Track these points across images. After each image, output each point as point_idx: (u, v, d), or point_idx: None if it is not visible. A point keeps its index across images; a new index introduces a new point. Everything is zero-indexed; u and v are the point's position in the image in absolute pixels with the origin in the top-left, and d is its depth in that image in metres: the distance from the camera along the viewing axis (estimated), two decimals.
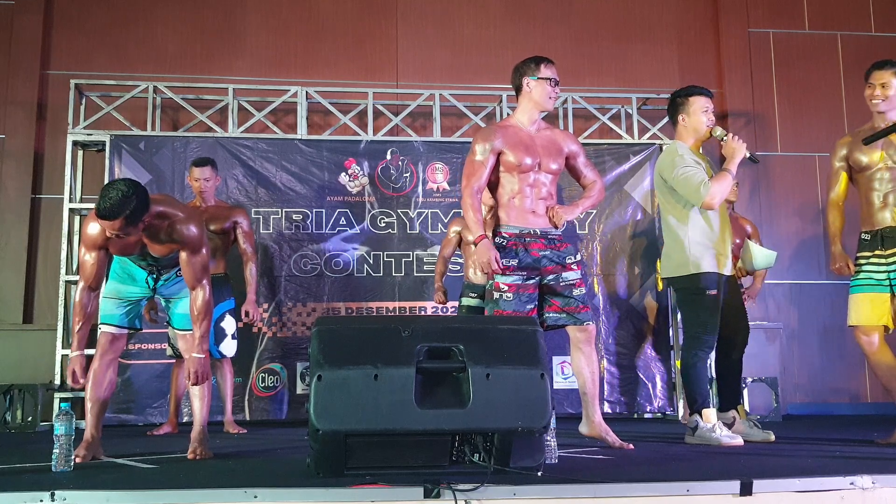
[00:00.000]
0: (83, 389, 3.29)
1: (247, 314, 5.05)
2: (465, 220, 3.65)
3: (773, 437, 3.95)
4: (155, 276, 3.40)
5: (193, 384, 3.27)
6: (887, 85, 3.87)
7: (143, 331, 4.88)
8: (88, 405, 3.29)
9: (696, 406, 3.83)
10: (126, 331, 3.40)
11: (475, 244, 3.53)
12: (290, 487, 2.23)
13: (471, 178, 3.59)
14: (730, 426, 3.99)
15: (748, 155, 3.88)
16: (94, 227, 3.10)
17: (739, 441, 3.72)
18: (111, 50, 6.57)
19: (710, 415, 3.81)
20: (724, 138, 3.90)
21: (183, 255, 3.20)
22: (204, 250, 3.24)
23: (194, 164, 5.10)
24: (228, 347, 4.96)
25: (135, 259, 3.35)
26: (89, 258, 3.17)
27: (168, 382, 5.24)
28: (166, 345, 5.11)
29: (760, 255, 4.74)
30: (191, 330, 3.36)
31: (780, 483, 2.27)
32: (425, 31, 6.93)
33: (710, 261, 3.83)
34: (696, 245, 3.83)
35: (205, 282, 3.26)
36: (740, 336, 4.28)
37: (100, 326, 3.37)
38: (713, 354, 4.17)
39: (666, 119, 6.55)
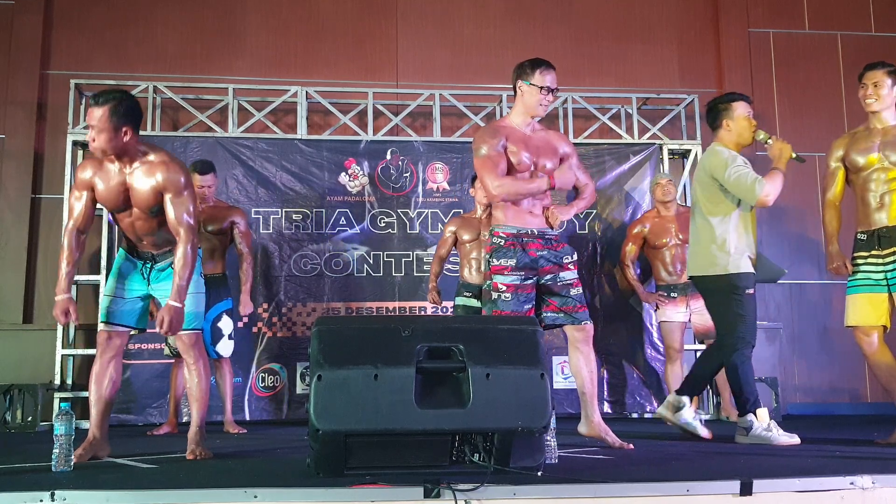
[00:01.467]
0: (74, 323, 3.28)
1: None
2: (522, 193, 3.54)
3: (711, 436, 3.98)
4: (150, 264, 3.39)
5: (164, 333, 3.22)
6: (880, 84, 3.90)
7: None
8: (91, 404, 3.28)
9: (749, 406, 3.82)
10: (124, 329, 3.36)
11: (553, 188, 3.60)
12: (290, 487, 2.23)
13: (493, 169, 3.53)
14: (679, 409, 3.99)
15: (794, 155, 3.91)
16: (83, 168, 3.30)
17: (796, 440, 3.70)
18: (111, 50, 6.56)
19: (764, 414, 3.80)
20: (769, 141, 3.95)
21: (166, 198, 3.23)
22: (186, 193, 3.25)
23: (197, 172, 5.05)
24: (225, 348, 4.96)
25: (128, 249, 3.38)
26: (77, 196, 3.31)
27: (168, 382, 5.24)
28: (163, 345, 5.12)
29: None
30: (186, 331, 3.35)
31: (780, 483, 2.28)
32: (425, 31, 6.93)
33: (746, 262, 3.88)
34: (735, 246, 3.86)
35: (191, 222, 3.25)
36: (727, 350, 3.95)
37: (99, 325, 3.36)
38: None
39: (666, 119, 6.58)
